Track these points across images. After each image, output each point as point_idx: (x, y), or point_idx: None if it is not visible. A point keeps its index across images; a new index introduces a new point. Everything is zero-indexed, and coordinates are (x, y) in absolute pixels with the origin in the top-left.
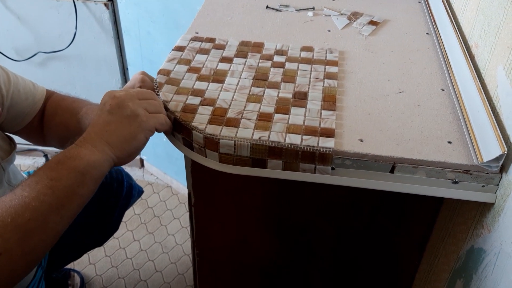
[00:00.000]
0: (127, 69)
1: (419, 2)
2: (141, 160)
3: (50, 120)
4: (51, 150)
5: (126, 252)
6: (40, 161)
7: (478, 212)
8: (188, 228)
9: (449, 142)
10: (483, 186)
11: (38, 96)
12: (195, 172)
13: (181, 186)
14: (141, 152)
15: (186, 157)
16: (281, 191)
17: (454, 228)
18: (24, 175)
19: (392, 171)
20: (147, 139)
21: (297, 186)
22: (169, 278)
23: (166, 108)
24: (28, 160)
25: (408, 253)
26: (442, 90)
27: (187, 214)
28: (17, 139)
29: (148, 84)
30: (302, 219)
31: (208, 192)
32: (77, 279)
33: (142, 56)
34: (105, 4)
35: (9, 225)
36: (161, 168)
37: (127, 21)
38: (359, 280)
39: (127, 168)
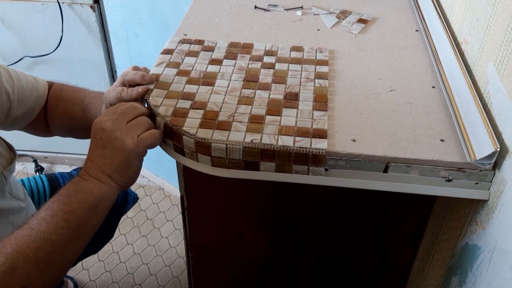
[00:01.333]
0: (116, 71)
1: None
2: None
3: (53, 111)
4: (40, 155)
5: (120, 256)
6: (30, 166)
7: (472, 209)
8: (182, 230)
9: (442, 140)
10: (476, 183)
11: (41, 90)
12: (187, 175)
13: (173, 188)
14: None
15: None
16: (273, 191)
17: (448, 225)
18: (19, 182)
19: (385, 170)
20: (141, 162)
21: (289, 185)
22: (164, 281)
23: (154, 116)
24: (17, 166)
25: (401, 251)
26: (433, 87)
27: (180, 216)
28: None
29: (129, 75)
30: (295, 218)
31: (201, 194)
32: (71, 285)
33: (130, 58)
34: (91, 7)
35: (31, 259)
36: (152, 170)
37: (114, 23)
38: (353, 278)
39: None
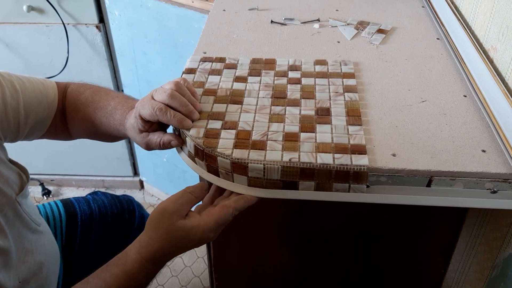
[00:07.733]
0: (122, 90)
1: (423, 7)
2: (141, 182)
3: (73, 116)
4: (46, 178)
5: None
6: (36, 190)
7: None
8: (196, 250)
9: (483, 151)
10: None
11: (50, 97)
12: None
13: None
14: (140, 173)
15: (201, 180)
16: (298, 207)
17: (486, 235)
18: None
19: (428, 185)
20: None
21: (313, 201)
22: None
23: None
24: None
25: (432, 262)
26: (465, 96)
27: None
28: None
29: (176, 102)
30: (320, 234)
31: None
32: None
33: (138, 77)
34: (97, 27)
35: None
36: (161, 188)
37: (120, 42)
38: None
39: (126, 190)
